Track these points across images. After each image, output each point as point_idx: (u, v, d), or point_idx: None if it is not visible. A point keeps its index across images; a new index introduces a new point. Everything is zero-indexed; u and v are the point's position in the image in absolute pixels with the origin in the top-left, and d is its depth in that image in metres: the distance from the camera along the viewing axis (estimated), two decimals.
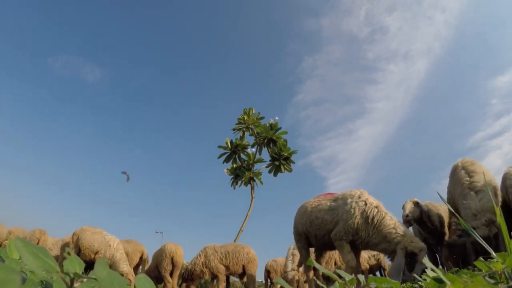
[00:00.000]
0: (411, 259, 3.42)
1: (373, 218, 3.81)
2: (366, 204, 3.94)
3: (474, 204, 3.60)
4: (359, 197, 4.07)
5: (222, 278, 6.72)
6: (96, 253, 6.55)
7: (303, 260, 5.06)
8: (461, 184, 3.96)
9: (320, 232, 4.38)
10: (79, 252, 6.65)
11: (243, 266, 6.82)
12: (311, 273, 4.81)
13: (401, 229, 3.65)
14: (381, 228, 3.74)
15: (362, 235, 3.84)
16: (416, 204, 4.63)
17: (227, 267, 6.74)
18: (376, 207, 3.90)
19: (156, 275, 7.14)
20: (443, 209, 4.93)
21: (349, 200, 4.07)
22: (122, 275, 6.35)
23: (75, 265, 0.58)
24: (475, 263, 0.93)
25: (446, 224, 4.88)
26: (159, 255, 7.12)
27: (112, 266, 6.49)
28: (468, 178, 3.93)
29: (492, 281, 0.77)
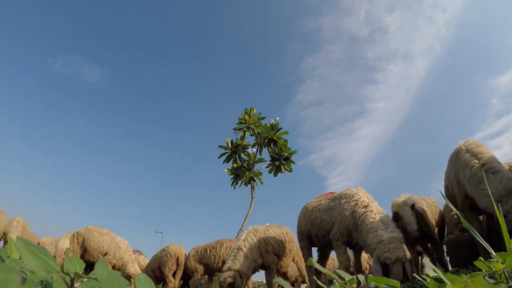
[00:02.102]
0: (385, 269, 3.16)
1: (358, 219, 3.66)
2: (357, 204, 3.80)
3: (495, 188, 2.95)
4: (352, 197, 3.94)
5: (202, 276, 6.85)
6: (105, 254, 6.55)
7: (305, 260, 5.05)
8: (470, 167, 3.32)
9: (320, 232, 4.36)
10: (84, 253, 6.66)
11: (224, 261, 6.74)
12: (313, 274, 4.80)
13: (380, 233, 3.33)
14: (361, 231, 3.59)
15: (355, 236, 3.74)
16: (413, 207, 3.88)
17: (206, 265, 6.72)
18: (365, 207, 3.71)
19: (156, 275, 7.17)
20: (426, 203, 4.40)
21: (343, 200, 4.00)
22: (130, 276, 6.40)
23: (75, 265, 0.58)
24: (475, 263, 0.93)
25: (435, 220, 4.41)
26: (163, 256, 7.16)
27: (121, 267, 6.54)
28: (476, 161, 3.31)
29: (492, 281, 0.77)
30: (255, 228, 5.10)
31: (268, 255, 4.86)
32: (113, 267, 6.53)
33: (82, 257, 6.62)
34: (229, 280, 4.21)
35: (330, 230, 4.11)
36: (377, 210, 3.67)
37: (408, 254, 3.28)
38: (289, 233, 5.21)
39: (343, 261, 3.87)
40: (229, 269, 4.39)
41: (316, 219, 4.38)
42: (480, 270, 0.91)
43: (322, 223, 4.28)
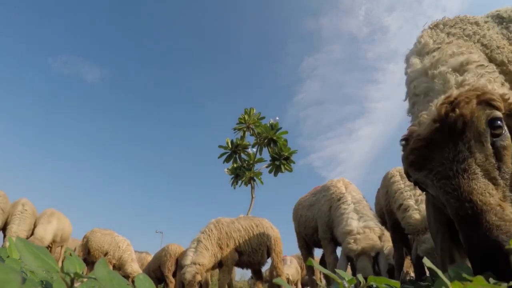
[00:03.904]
0: (351, 263, 2.90)
1: (333, 213, 3.30)
2: (332, 196, 3.44)
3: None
4: (329, 190, 3.55)
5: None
6: (106, 254, 6.65)
7: (304, 260, 4.98)
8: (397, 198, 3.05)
9: (307, 231, 4.05)
10: (88, 254, 6.75)
11: None
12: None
13: (350, 223, 2.98)
14: (335, 225, 3.24)
15: (335, 232, 3.32)
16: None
17: None
18: (339, 199, 3.32)
19: (157, 275, 7.18)
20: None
21: (323, 194, 3.66)
22: (129, 276, 6.48)
23: (75, 265, 0.58)
24: None
25: None
26: (163, 256, 7.17)
27: (120, 266, 6.62)
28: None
29: (492, 281, 0.77)
30: (218, 219, 4.68)
31: (228, 250, 4.34)
32: (114, 267, 6.61)
33: (85, 258, 6.70)
34: (199, 278, 3.87)
35: (315, 228, 3.80)
36: (352, 199, 3.26)
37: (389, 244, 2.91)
38: (260, 226, 4.66)
39: (331, 262, 3.45)
40: (194, 263, 3.99)
41: (301, 218, 4.10)
42: None
43: (306, 221, 3.98)
